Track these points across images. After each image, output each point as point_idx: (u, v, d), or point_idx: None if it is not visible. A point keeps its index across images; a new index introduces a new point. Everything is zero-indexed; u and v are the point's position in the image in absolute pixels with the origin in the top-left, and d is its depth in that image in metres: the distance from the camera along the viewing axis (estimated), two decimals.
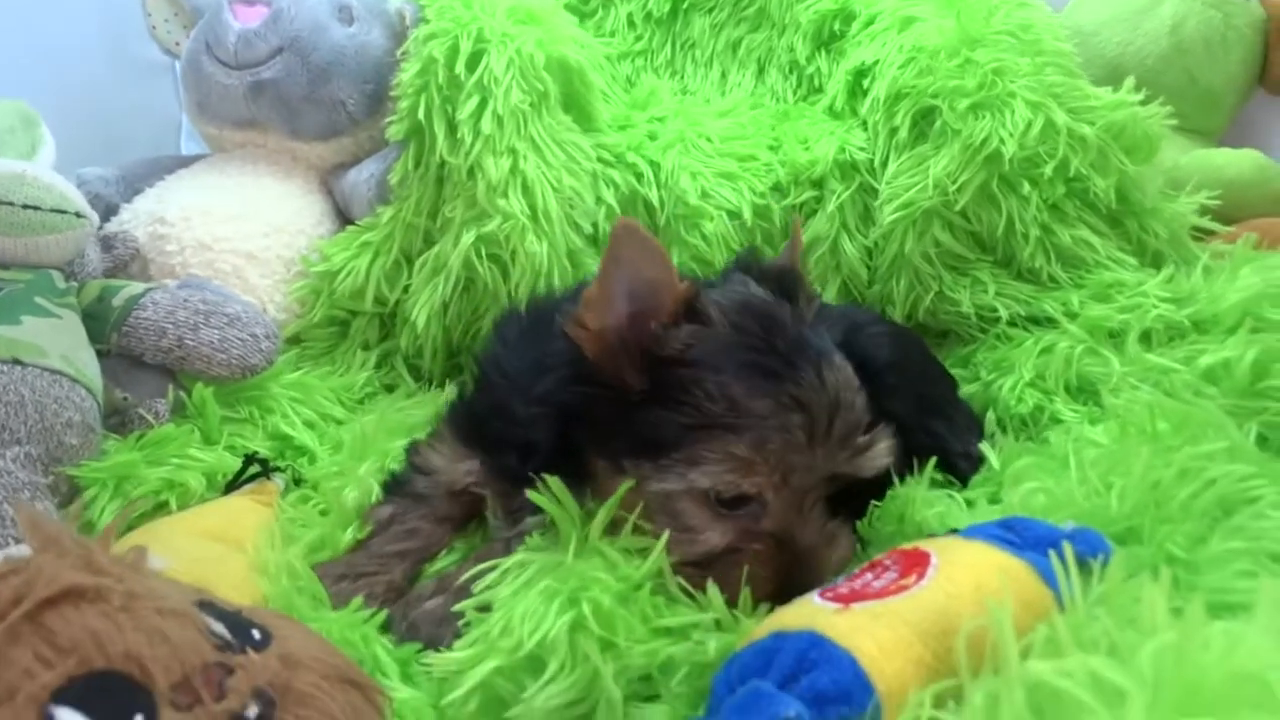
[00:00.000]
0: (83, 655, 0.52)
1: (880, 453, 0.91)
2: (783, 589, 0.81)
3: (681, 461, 0.84)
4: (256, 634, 0.62)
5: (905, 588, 0.73)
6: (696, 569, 0.85)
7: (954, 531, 0.88)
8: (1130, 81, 1.46)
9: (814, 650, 0.66)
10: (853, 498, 1.10)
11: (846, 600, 0.72)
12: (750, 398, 0.84)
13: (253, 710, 0.56)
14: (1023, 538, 0.80)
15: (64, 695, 0.51)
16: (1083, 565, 0.73)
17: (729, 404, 0.83)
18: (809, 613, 0.72)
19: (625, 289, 0.86)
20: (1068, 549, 0.71)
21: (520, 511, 0.97)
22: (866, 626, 0.68)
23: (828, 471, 0.87)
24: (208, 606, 0.61)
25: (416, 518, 1.08)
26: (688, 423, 0.84)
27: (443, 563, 1.07)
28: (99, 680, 0.52)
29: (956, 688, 0.64)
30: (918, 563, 0.76)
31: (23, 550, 0.89)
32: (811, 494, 0.88)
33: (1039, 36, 1.49)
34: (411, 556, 1.05)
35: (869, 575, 0.77)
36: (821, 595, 0.75)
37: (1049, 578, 0.74)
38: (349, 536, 1.06)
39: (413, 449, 1.15)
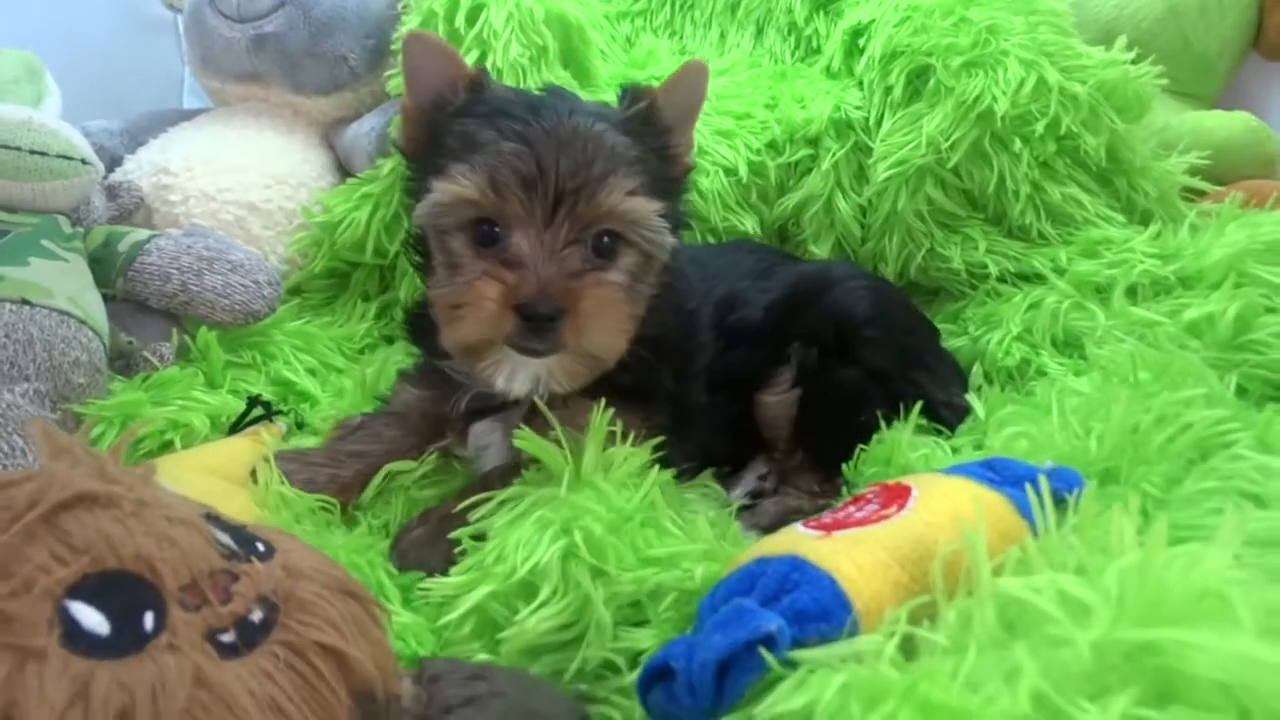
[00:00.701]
0: (96, 555, 0.54)
1: (613, 189, 0.91)
2: (516, 313, 0.88)
3: (430, 190, 0.94)
4: (260, 546, 0.64)
5: (886, 517, 0.76)
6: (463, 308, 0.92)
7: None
8: (1122, 40, 1.48)
9: (795, 572, 0.69)
10: (833, 446, 1.13)
11: (829, 529, 0.75)
12: (479, 132, 0.93)
13: (256, 615, 0.59)
14: (1002, 475, 0.83)
15: (78, 591, 0.53)
16: (1059, 500, 0.76)
17: (464, 139, 0.93)
18: (792, 540, 0.74)
19: (429, 91, 0.99)
20: (1043, 482, 0.74)
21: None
22: (846, 550, 0.70)
23: (551, 202, 0.90)
24: (214, 519, 0.64)
25: (383, 426, 1.13)
26: (439, 161, 0.94)
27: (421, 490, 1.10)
28: (111, 579, 0.54)
29: (932, 607, 0.67)
30: (898, 495, 0.79)
31: None
32: (558, 234, 0.91)
33: None
34: (368, 458, 1.09)
35: (851, 508, 0.80)
36: (805, 525, 0.78)
37: (1025, 510, 0.77)
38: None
39: (399, 374, 1.19)
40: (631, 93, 1.01)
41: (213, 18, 1.56)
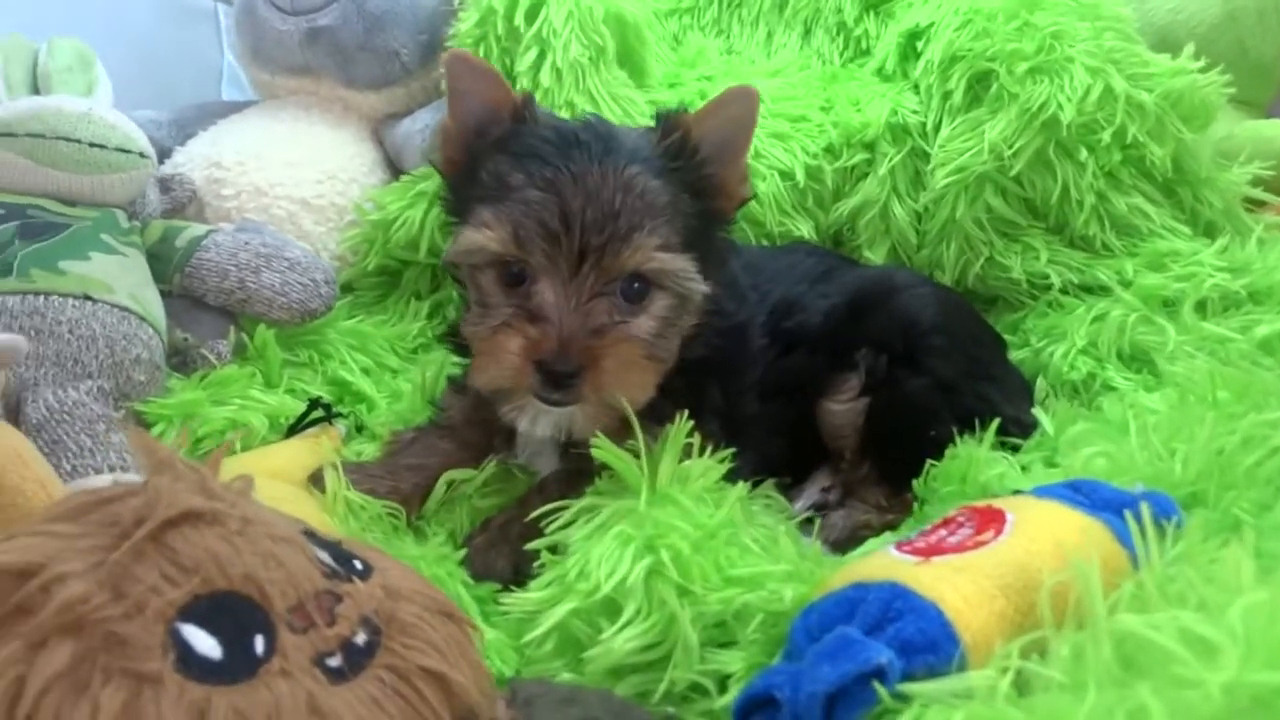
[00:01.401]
0: (205, 575, 0.53)
1: (639, 247, 0.91)
2: (536, 368, 0.89)
3: (464, 225, 0.95)
4: (358, 564, 0.63)
5: (984, 543, 0.74)
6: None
7: (1018, 492, 0.89)
8: (1190, 49, 1.45)
9: (899, 600, 0.67)
10: (902, 459, 1.12)
11: (925, 554, 0.73)
12: (510, 174, 0.92)
13: (360, 637, 0.57)
14: (1091, 499, 0.81)
15: (189, 613, 0.52)
16: (1157, 527, 0.74)
17: (496, 179, 0.94)
18: (888, 564, 0.73)
19: (471, 115, 0.99)
20: (1145, 510, 0.72)
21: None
22: (949, 578, 0.69)
23: (576, 254, 0.90)
24: (311, 535, 0.62)
25: (437, 438, 1.12)
26: (471, 198, 0.95)
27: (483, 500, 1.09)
28: (221, 600, 0.53)
29: (1038, 641, 0.65)
30: (993, 519, 0.77)
31: (129, 479, 0.91)
32: (583, 286, 0.91)
33: (1097, 1, 1.48)
34: (424, 471, 1.09)
35: (943, 531, 0.78)
36: (899, 548, 0.76)
37: (1124, 538, 0.75)
38: None
39: (448, 382, 1.19)
40: (666, 123, 0.98)
41: (265, 9, 1.54)
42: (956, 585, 0.68)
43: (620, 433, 0.93)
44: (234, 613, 0.53)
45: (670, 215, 0.93)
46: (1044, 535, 0.74)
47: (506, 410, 0.97)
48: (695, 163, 0.97)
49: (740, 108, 0.98)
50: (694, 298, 0.97)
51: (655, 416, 0.97)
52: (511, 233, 0.91)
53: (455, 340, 1.10)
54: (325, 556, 0.61)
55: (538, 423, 0.97)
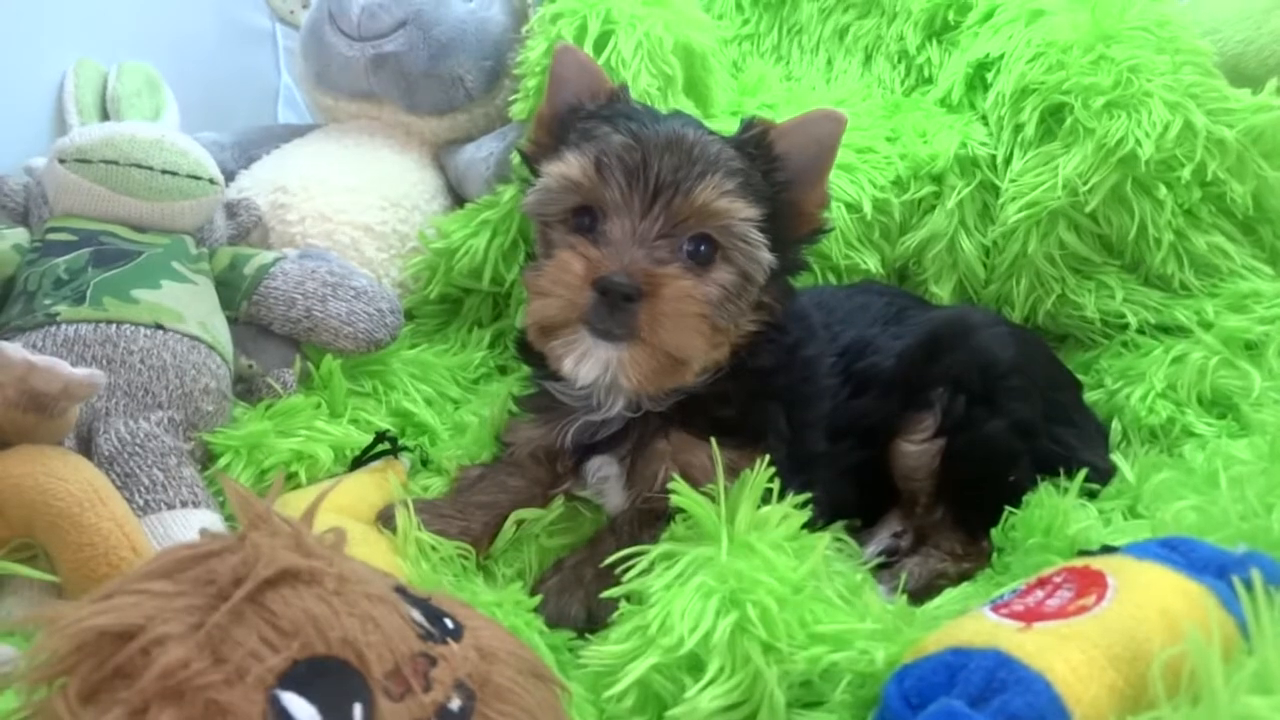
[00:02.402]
0: (304, 640, 0.52)
1: (709, 187, 0.93)
2: (595, 288, 0.89)
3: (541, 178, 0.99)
4: (449, 623, 0.61)
5: (1086, 608, 0.71)
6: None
7: (1109, 549, 0.86)
8: (1273, 84, 1.41)
9: (1003, 670, 0.65)
10: (979, 504, 1.09)
11: (1026, 618, 0.71)
12: (597, 128, 0.97)
13: (455, 703, 0.56)
14: (1189, 558, 0.78)
15: (289, 679, 0.50)
16: (1265, 591, 0.71)
17: (583, 134, 0.98)
18: (988, 629, 0.70)
19: (566, 103, 1.03)
20: (1256, 576, 0.69)
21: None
22: (1056, 647, 0.66)
23: (650, 193, 0.93)
24: (403, 593, 0.61)
25: (505, 475, 1.12)
26: (556, 152, 0.98)
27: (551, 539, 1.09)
28: (320, 665, 0.52)
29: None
30: (1094, 582, 0.74)
31: (207, 517, 0.90)
32: (652, 225, 0.93)
33: (1176, 34, 1.44)
34: (495, 509, 1.08)
35: (1040, 592, 0.76)
36: (995, 610, 0.73)
37: (1230, 603, 0.72)
38: None
39: (510, 416, 1.18)
40: (749, 121, 1.01)
41: (332, 35, 1.54)
42: (1065, 655, 0.65)
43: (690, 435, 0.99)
44: (333, 679, 0.52)
45: (744, 183, 0.95)
46: (1149, 601, 0.71)
47: (555, 347, 0.95)
48: (770, 157, 0.99)
49: (825, 129, 0.99)
50: (757, 275, 0.97)
51: (718, 427, 0.97)
52: (593, 162, 0.94)
53: (527, 342, 1.07)
54: (418, 616, 0.59)
55: (584, 363, 0.94)
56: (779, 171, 0.99)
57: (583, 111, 1.02)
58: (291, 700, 0.50)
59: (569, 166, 0.95)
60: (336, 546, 0.60)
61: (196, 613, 0.51)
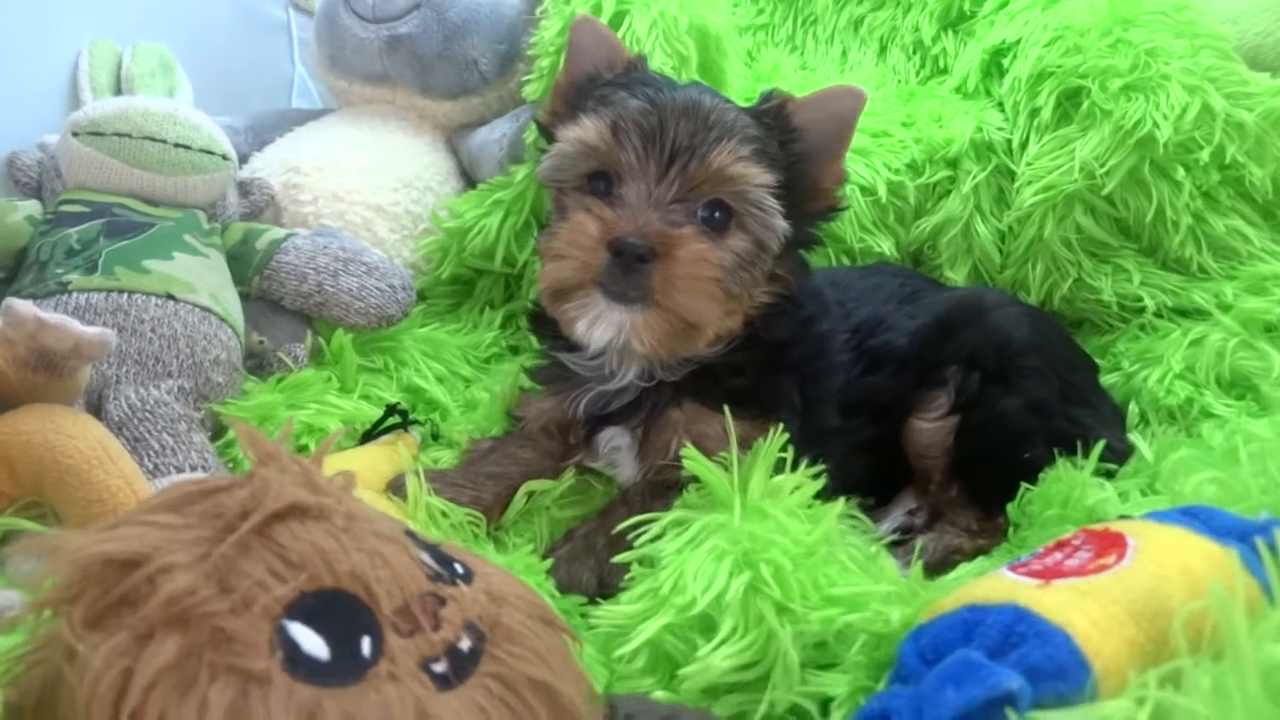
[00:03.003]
0: (312, 572, 0.51)
1: (724, 152, 0.92)
2: (609, 249, 0.89)
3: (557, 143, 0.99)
4: (459, 567, 0.60)
5: (1106, 567, 0.70)
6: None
7: (1126, 518, 0.85)
8: None
9: (1021, 624, 0.64)
10: (993, 481, 1.08)
11: (1045, 576, 0.69)
12: (614, 93, 0.97)
13: (465, 643, 0.55)
14: (1210, 525, 0.77)
15: (296, 610, 0.49)
16: None
17: (600, 100, 0.98)
18: (1006, 586, 0.69)
19: (583, 73, 1.03)
20: (1279, 534, 0.68)
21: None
22: (1075, 603, 0.65)
23: (666, 158, 0.93)
24: (413, 536, 0.60)
25: (516, 447, 1.11)
26: (573, 118, 0.97)
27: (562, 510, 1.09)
28: (328, 598, 0.51)
29: (1173, 673, 0.61)
30: (1114, 543, 0.73)
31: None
32: (668, 190, 0.93)
33: (1194, 18, 1.43)
34: (505, 480, 1.08)
35: (1058, 554, 0.74)
36: (1013, 570, 0.72)
37: (1254, 566, 0.70)
38: None
39: (521, 391, 1.17)
40: (768, 94, 1.01)
41: (346, 17, 1.54)
42: (1085, 610, 0.64)
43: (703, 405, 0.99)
44: (341, 612, 0.51)
45: (759, 149, 0.95)
46: (1171, 560, 0.70)
47: (568, 310, 0.94)
48: (788, 129, 0.98)
49: (845, 105, 0.99)
50: (771, 243, 0.96)
51: (731, 397, 0.96)
52: (610, 125, 0.93)
53: (539, 314, 1.08)
54: (428, 558, 0.58)
55: (598, 325, 0.93)
56: (796, 143, 0.99)
57: (600, 80, 1.02)
58: (299, 630, 0.49)
59: (585, 130, 0.94)
60: (345, 488, 0.59)
61: (203, 544, 0.50)
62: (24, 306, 0.79)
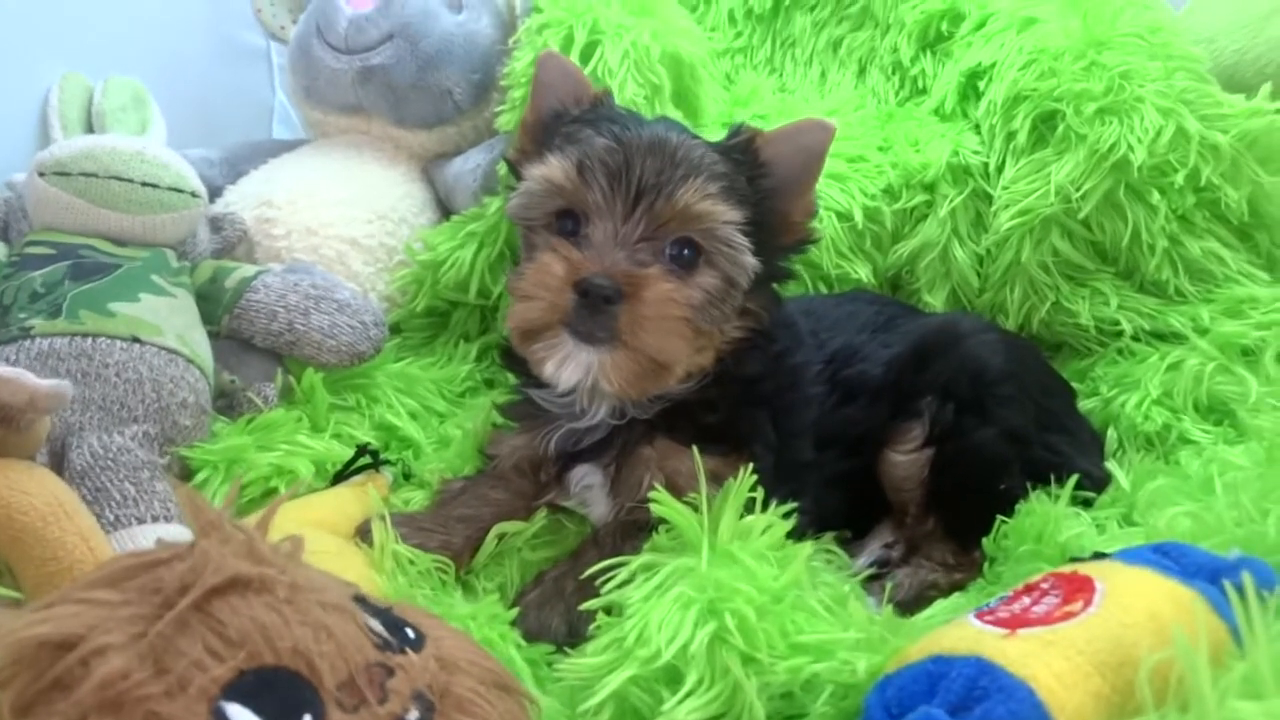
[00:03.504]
0: (252, 649, 0.50)
1: (693, 189, 0.92)
2: (576, 290, 0.89)
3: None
4: (410, 633, 0.59)
5: (1073, 614, 0.69)
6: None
7: (1100, 555, 0.84)
8: (1267, 89, 1.40)
9: (984, 677, 0.63)
10: (970, 514, 1.07)
11: (1010, 625, 0.69)
12: (580, 131, 0.97)
13: (413, 714, 0.54)
14: (1181, 564, 0.76)
15: (234, 690, 0.49)
16: (1258, 597, 0.69)
17: (567, 138, 0.97)
18: (971, 636, 0.68)
19: (550, 110, 1.03)
20: (1247, 579, 0.67)
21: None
22: (1039, 654, 0.64)
23: (632, 196, 0.92)
24: (362, 602, 0.59)
25: (488, 488, 1.10)
26: (540, 156, 0.98)
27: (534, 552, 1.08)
28: (268, 676, 0.50)
29: None
30: (1081, 588, 0.72)
31: (173, 530, 0.89)
32: (634, 229, 0.92)
33: (1168, 40, 1.43)
34: (476, 523, 1.07)
35: (1026, 599, 0.74)
36: (980, 618, 0.71)
37: (1222, 609, 0.70)
38: None
39: (493, 428, 1.17)
40: (737, 128, 1.01)
41: (320, 49, 1.54)
42: (1048, 662, 0.63)
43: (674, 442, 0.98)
44: (281, 690, 0.50)
45: (727, 187, 0.94)
46: (1138, 606, 0.69)
47: (537, 351, 0.94)
48: (758, 172, 0.98)
49: (813, 138, 0.98)
50: (740, 279, 0.96)
51: (703, 434, 0.97)
52: (576, 164, 0.93)
53: (510, 350, 1.06)
54: (377, 625, 0.57)
55: (566, 367, 0.93)
56: (765, 178, 0.99)
57: (567, 117, 1.01)
58: (236, 711, 0.48)
59: (551, 169, 0.94)
60: (293, 554, 0.58)
61: (140, 622, 0.50)
62: None
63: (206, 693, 0.48)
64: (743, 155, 0.98)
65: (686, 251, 0.94)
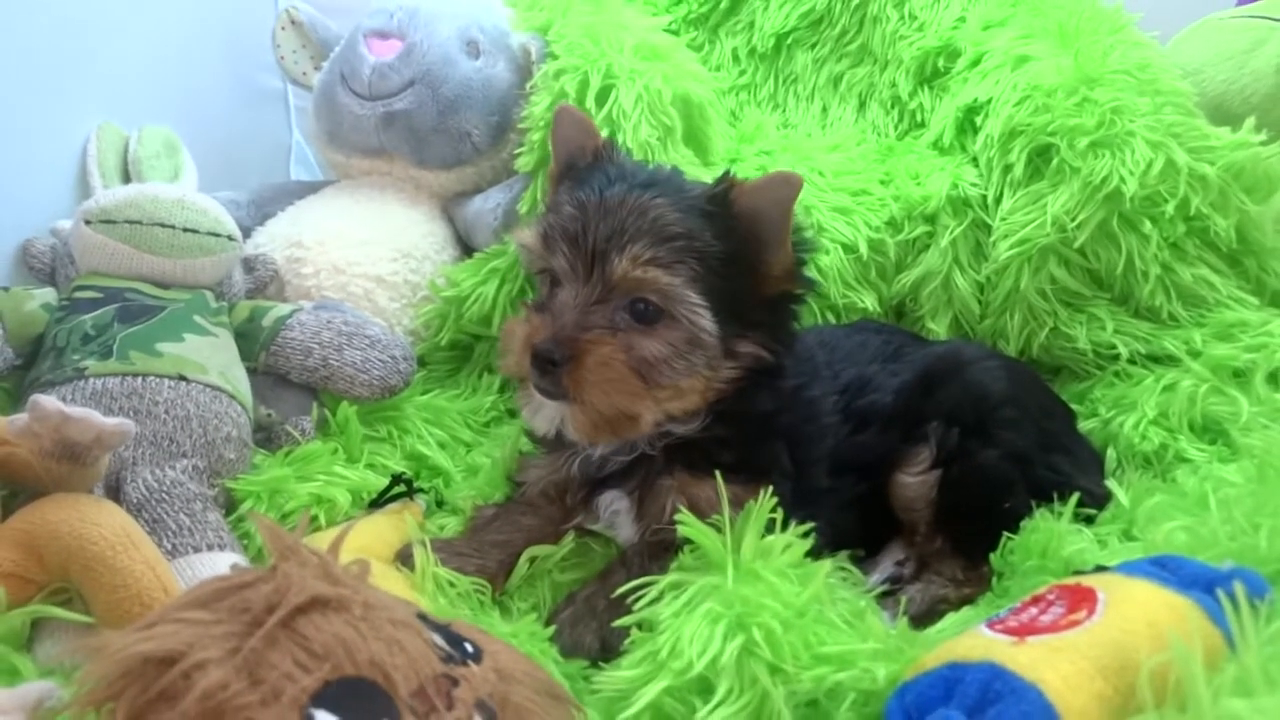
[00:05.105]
0: (335, 661, 0.55)
1: (632, 257, 0.97)
2: (531, 356, 0.97)
3: None
4: (469, 646, 0.65)
5: (1077, 622, 0.74)
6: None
7: (1103, 568, 0.89)
8: (1251, 122, 1.47)
9: (998, 681, 0.68)
10: (977, 531, 1.12)
11: (1019, 633, 0.74)
12: (562, 196, 1.04)
13: None
14: (1178, 575, 0.81)
15: (321, 699, 0.54)
16: (1250, 605, 0.74)
17: (554, 202, 1.06)
18: (984, 643, 0.73)
19: (564, 158, 1.10)
20: (1239, 588, 0.72)
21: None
22: (1048, 659, 0.69)
23: (589, 258, 0.99)
24: (424, 619, 0.64)
25: (519, 514, 1.16)
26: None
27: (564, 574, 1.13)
28: (351, 686, 0.55)
29: None
30: (1085, 598, 0.77)
31: (229, 558, 0.94)
32: (592, 291, 0.99)
33: (1156, 76, 1.49)
34: (509, 547, 1.13)
35: (1034, 609, 0.79)
36: (991, 627, 0.76)
37: (1216, 616, 0.75)
38: None
39: (520, 455, 1.23)
40: (720, 177, 1.03)
41: (344, 95, 1.60)
42: (1056, 666, 0.68)
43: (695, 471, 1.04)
44: (363, 698, 0.55)
45: (681, 246, 0.98)
46: (1137, 615, 0.74)
47: (519, 397, 1.07)
48: (732, 214, 1.00)
49: (781, 192, 0.98)
50: (702, 336, 0.99)
51: (719, 466, 1.00)
52: (541, 234, 1.03)
53: None
54: (439, 640, 0.63)
55: (537, 416, 1.05)
56: (736, 230, 1.00)
57: (575, 169, 1.08)
58: (325, 717, 0.53)
59: (525, 236, 1.05)
60: (361, 576, 0.64)
61: (233, 638, 0.55)
62: (49, 402, 0.84)
63: (297, 701, 0.53)
64: (716, 207, 1.00)
65: (647, 307, 0.99)
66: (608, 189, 1.00)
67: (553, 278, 1.04)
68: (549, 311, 1.00)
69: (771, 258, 1.02)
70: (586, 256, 0.98)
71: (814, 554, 0.95)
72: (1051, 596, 0.80)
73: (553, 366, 0.96)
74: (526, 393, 1.04)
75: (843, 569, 1.09)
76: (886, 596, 1.12)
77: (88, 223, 1.22)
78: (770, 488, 0.97)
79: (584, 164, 1.08)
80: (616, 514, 1.12)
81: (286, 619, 0.56)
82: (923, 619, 1.07)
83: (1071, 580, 0.83)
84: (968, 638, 0.76)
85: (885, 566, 1.18)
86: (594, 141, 1.10)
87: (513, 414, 1.51)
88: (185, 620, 0.56)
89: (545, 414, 1.03)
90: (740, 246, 1.00)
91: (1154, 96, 1.45)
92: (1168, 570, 0.82)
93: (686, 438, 1.06)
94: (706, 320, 0.98)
